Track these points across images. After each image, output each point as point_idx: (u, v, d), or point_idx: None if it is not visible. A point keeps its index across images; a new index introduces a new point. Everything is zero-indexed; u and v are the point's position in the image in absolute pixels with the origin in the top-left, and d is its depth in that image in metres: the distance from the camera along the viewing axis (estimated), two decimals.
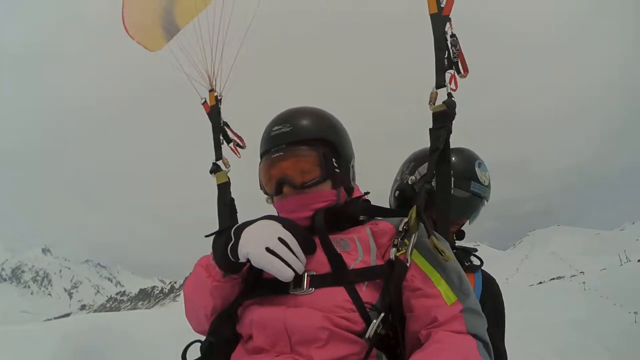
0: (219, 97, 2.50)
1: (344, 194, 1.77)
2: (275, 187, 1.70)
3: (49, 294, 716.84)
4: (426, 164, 2.09)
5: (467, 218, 2.35)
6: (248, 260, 1.49)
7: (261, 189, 1.82)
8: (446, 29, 1.83)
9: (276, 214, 1.76)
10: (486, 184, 2.33)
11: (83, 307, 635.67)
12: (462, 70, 1.82)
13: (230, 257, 1.52)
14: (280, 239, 1.47)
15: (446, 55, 1.82)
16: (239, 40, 2.39)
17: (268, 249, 1.44)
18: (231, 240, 1.53)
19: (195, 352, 1.70)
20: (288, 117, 1.75)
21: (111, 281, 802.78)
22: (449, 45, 1.82)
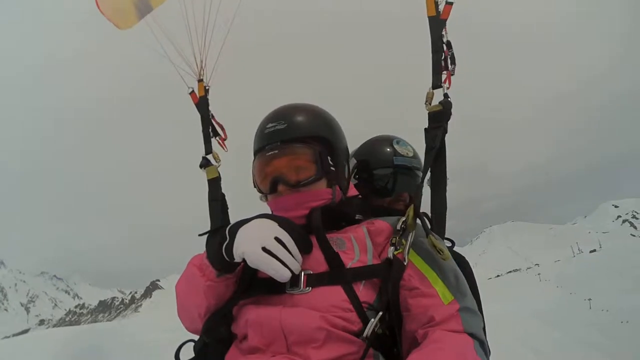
0: (207, 88, 2.45)
1: (339, 192, 1.76)
2: (270, 185, 1.69)
3: (5, 309, 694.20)
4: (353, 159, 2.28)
5: (405, 192, 2.34)
6: (243, 260, 1.47)
7: (255, 187, 1.80)
8: (443, 32, 1.89)
9: (270, 212, 1.77)
10: (410, 155, 2.37)
11: (42, 322, 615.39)
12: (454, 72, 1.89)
13: (225, 256, 1.50)
14: (277, 239, 1.46)
15: (442, 57, 1.87)
16: (227, 27, 2.37)
17: (264, 249, 1.43)
18: (226, 239, 1.51)
19: (189, 352, 1.74)
20: (282, 114, 1.74)
21: (69, 294, 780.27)
22: (445, 48, 1.88)
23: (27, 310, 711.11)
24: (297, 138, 1.67)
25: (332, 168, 1.70)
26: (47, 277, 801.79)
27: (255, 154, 1.78)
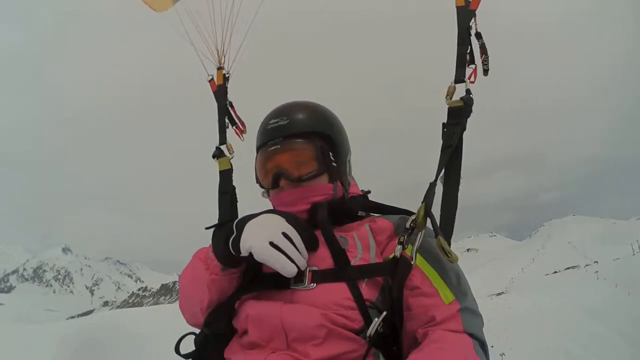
0: (227, 76, 2.38)
1: (340, 188, 1.75)
2: (272, 180, 1.68)
3: (71, 292, 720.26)
4: None
5: None
6: (249, 255, 1.46)
7: (257, 182, 1.80)
8: (470, 24, 1.77)
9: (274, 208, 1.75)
10: None
11: (106, 304, 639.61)
12: (486, 67, 1.76)
13: (232, 250, 1.50)
14: (284, 234, 1.45)
15: (468, 50, 1.75)
16: (252, 15, 2.32)
17: (272, 244, 1.42)
18: (233, 233, 1.51)
19: (189, 346, 1.71)
20: (285, 111, 1.74)
21: (131, 277, 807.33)
22: (472, 41, 1.76)
23: (92, 292, 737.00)
24: (298, 134, 1.68)
25: (333, 164, 1.70)
26: (111, 262, 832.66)
27: (257, 150, 1.79)
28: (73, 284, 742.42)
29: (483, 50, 1.76)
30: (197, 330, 1.74)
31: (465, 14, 1.77)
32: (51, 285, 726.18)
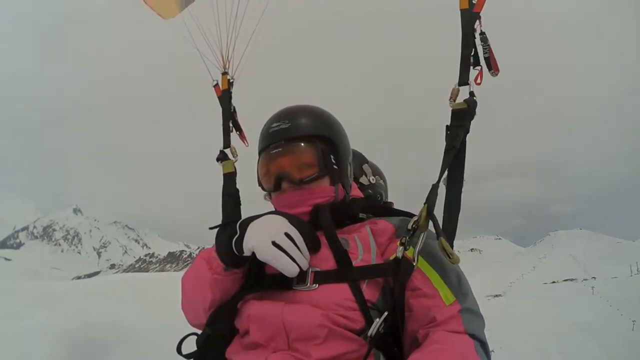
0: (231, 81, 2.39)
1: (342, 190, 1.76)
2: (274, 182, 1.69)
3: (79, 252, 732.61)
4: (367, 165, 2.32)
5: None
6: (252, 255, 1.46)
7: (259, 185, 1.81)
8: (475, 26, 1.73)
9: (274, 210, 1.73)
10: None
11: (112, 266, 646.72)
12: (493, 69, 1.71)
13: (235, 250, 1.50)
14: (287, 234, 1.45)
15: (472, 53, 1.71)
16: (256, 20, 2.30)
17: (274, 243, 1.42)
18: (236, 233, 1.51)
19: (191, 346, 1.71)
20: (287, 114, 1.74)
21: (138, 243, 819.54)
22: (476, 43, 1.72)
23: (99, 254, 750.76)
24: (300, 137, 1.67)
25: (334, 167, 1.70)
26: (120, 225, 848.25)
27: (259, 153, 1.79)
28: (81, 244, 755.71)
29: (488, 53, 1.71)
30: (199, 331, 1.73)
31: (470, 17, 1.73)
32: (59, 245, 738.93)
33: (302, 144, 1.66)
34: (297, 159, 1.67)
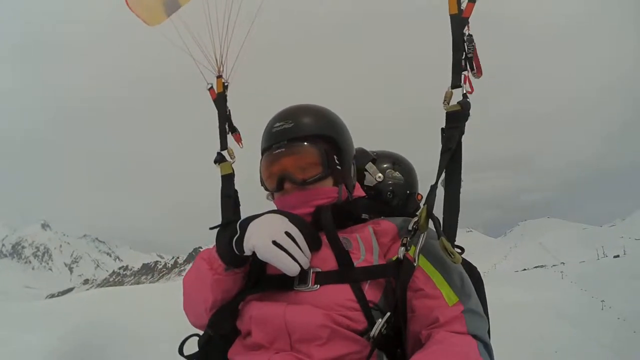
0: (226, 84, 2.36)
1: (345, 191, 1.76)
2: (277, 183, 1.69)
3: (50, 269, 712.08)
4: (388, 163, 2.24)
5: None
6: (253, 254, 1.46)
7: (262, 185, 1.80)
8: (464, 31, 1.75)
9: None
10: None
11: (86, 282, 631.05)
12: (475, 70, 1.74)
13: (235, 250, 1.50)
14: (287, 233, 1.45)
15: (463, 57, 1.73)
16: (249, 22, 2.30)
17: (275, 242, 1.42)
18: (236, 233, 1.51)
19: (193, 347, 1.69)
20: (290, 114, 1.73)
21: (110, 256, 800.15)
22: (466, 47, 1.73)
23: (71, 270, 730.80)
24: (303, 137, 1.67)
25: (338, 167, 1.70)
26: (90, 239, 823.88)
27: (262, 153, 1.78)
28: (52, 260, 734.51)
29: (473, 55, 1.74)
30: (201, 332, 1.73)
31: (459, 22, 1.75)
32: (30, 262, 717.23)
33: (305, 144, 1.68)
34: (300, 160, 1.68)
